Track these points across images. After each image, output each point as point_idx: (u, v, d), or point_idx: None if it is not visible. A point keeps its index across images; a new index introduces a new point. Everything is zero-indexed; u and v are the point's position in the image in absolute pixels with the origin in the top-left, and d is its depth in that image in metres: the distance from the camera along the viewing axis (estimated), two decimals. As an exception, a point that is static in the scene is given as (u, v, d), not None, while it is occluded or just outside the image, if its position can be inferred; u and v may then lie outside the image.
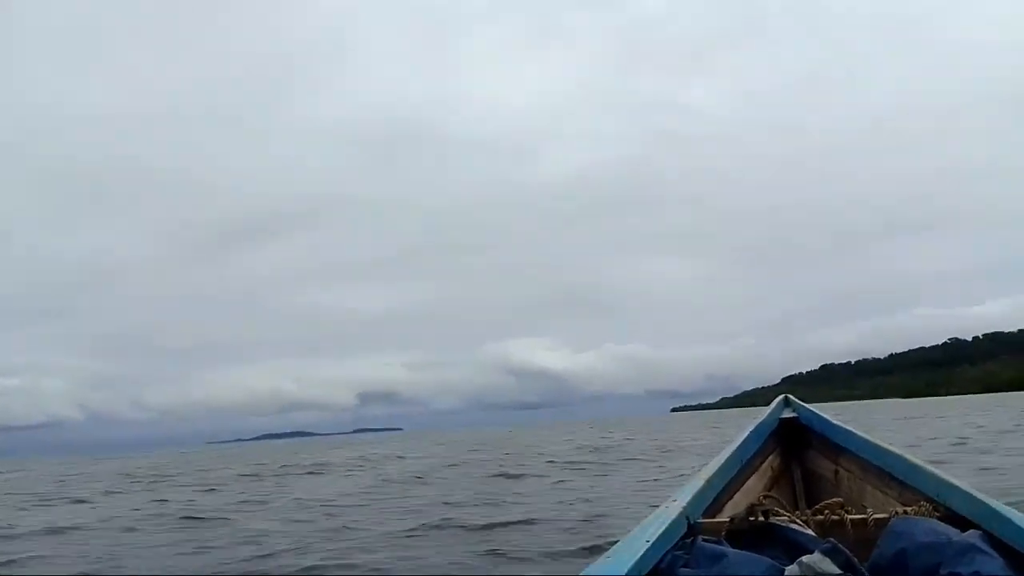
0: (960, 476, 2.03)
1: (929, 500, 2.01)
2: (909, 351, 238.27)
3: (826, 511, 2.02)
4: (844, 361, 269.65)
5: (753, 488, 2.54)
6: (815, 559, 1.48)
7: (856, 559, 1.47)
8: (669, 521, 1.82)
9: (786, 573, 1.49)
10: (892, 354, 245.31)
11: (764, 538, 1.82)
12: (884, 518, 1.86)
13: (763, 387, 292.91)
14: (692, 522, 1.96)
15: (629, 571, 1.48)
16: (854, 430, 2.68)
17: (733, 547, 1.70)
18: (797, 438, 2.96)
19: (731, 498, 2.42)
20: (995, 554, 1.49)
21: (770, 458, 2.87)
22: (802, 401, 3.21)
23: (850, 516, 1.97)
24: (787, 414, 3.01)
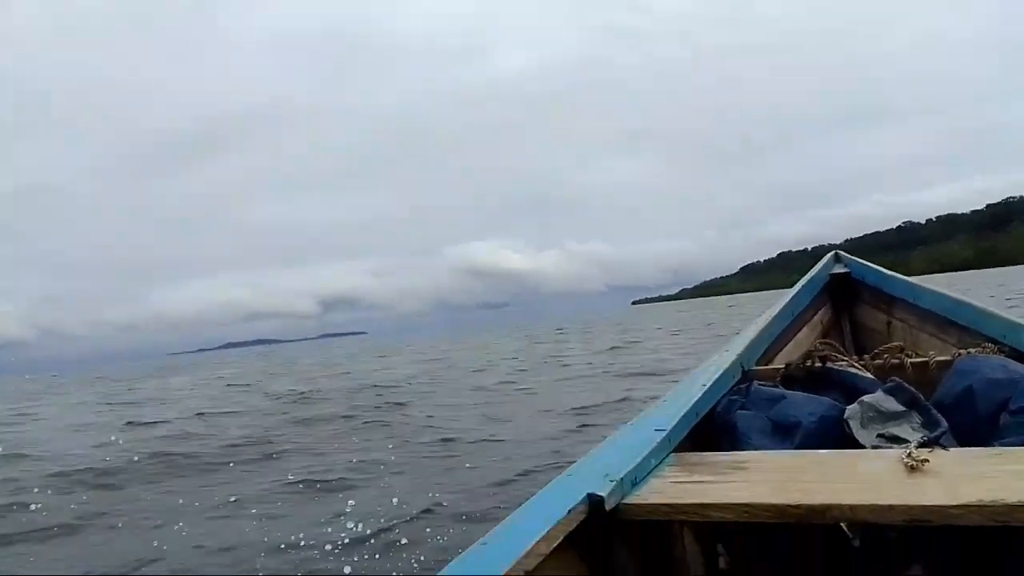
0: None
1: (994, 342, 1.95)
2: (864, 236, 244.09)
3: (885, 355, 1.98)
4: (800, 248, 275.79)
5: (805, 339, 2.53)
6: (877, 397, 1.49)
7: (920, 395, 1.49)
8: (724, 368, 1.85)
9: (847, 411, 1.50)
10: (848, 239, 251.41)
11: (821, 384, 1.83)
12: (947, 360, 1.83)
13: (722, 276, 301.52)
14: (747, 369, 1.99)
15: (685, 414, 1.51)
16: (909, 280, 2.64)
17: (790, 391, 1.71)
18: (848, 293, 2.93)
19: (783, 348, 2.41)
20: None
21: (821, 312, 2.84)
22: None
23: (911, 360, 1.93)
24: (838, 269, 2.96)
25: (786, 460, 1.34)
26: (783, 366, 1.97)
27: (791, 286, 2.88)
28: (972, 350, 1.88)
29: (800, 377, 1.88)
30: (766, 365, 2.14)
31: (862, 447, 1.41)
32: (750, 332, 2.27)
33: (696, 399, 1.60)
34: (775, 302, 2.70)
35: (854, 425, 1.47)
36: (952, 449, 1.27)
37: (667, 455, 1.38)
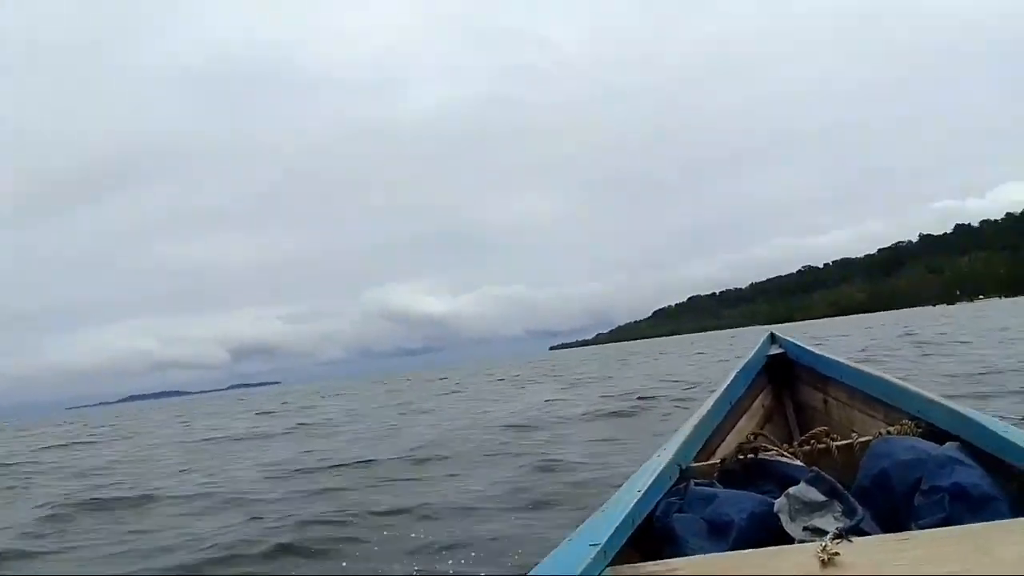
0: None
1: (912, 418, 2.04)
2: (767, 280, 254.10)
3: (812, 440, 2.06)
4: (709, 292, 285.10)
5: (745, 428, 2.54)
6: (801, 489, 1.53)
7: (840, 484, 1.54)
8: (660, 469, 1.85)
9: (775, 505, 1.53)
10: (752, 283, 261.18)
11: (757, 475, 1.86)
12: (867, 440, 1.90)
13: (636, 321, 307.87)
14: (683, 467, 1.97)
15: (622, 521, 1.50)
16: (840, 359, 2.69)
17: (727, 487, 1.75)
18: (787, 373, 2.98)
19: (723, 440, 2.41)
20: (973, 463, 1.53)
21: (761, 396, 2.87)
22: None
23: (835, 443, 2.02)
24: (774, 351, 3.02)
25: (718, 564, 1.36)
26: (719, 461, 2.02)
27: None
28: (891, 429, 1.98)
29: (737, 471, 1.93)
30: (706, 459, 2.17)
31: (793, 540, 1.45)
32: (686, 428, 2.26)
33: (631, 506, 1.59)
34: (712, 391, 2.72)
35: (784, 519, 1.50)
36: (862, 539, 1.28)
37: (601, 571, 1.35)
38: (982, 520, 1.36)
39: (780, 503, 1.54)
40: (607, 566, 1.37)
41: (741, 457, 1.96)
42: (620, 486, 1.82)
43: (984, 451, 1.64)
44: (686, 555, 1.48)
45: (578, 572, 1.27)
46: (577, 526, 1.56)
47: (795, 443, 2.14)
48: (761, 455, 1.94)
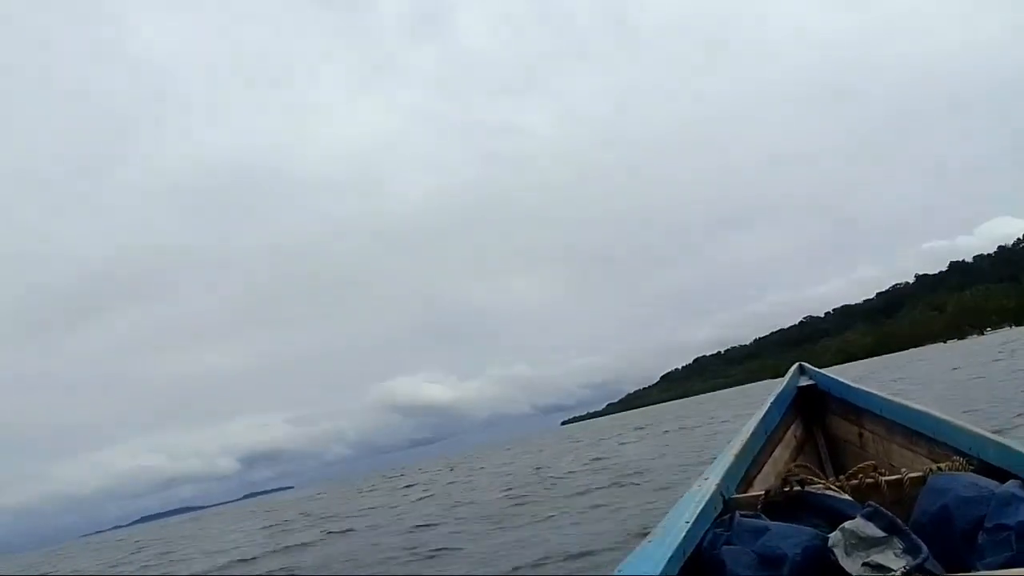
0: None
1: (961, 454, 1.98)
2: (771, 333, 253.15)
3: (860, 475, 2.01)
4: (714, 352, 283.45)
5: (780, 458, 2.51)
6: (858, 524, 1.50)
7: (898, 519, 1.49)
8: (706, 499, 1.82)
9: (829, 540, 1.50)
10: (756, 339, 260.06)
11: (800, 507, 1.85)
12: (919, 476, 1.85)
13: (645, 387, 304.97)
14: (727, 498, 1.96)
15: (673, 553, 1.48)
16: (874, 391, 2.62)
17: (770, 519, 1.72)
18: (817, 405, 2.92)
19: (760, 471, 2.39)
20: None
21: (792, 427, 2.82)
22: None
23: (884, 478, 1.95)
24: (804, 382, 2.97)
25: None
26: (763, 493, 1.97)
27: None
28: (943, 465, 1.92)
29: (781, 503, 1.90)
30: (746, 491, 2.13)
31: None
32: (727, 458, 2.22)
33: (681, 538, 1.56)
34: (746, 422, 2.64)
35: (839, 554, 1.47)
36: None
37: None
38: None
39: (835, 537, 1.49)
40: None
41: (786, 489, 1.92)
42: (666, 514, 1.77)
43: None
44: None
45: None
46: (626, 555, 1.52)
47: (841, 476, 2.07)
48: (806, 488, 1.90)
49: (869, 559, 1.43)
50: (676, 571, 1.47)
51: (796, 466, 2.16)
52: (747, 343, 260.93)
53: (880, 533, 1.47)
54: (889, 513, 1.51)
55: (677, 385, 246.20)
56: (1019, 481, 1.64)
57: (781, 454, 2.59)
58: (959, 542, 1.52)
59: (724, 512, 1.83)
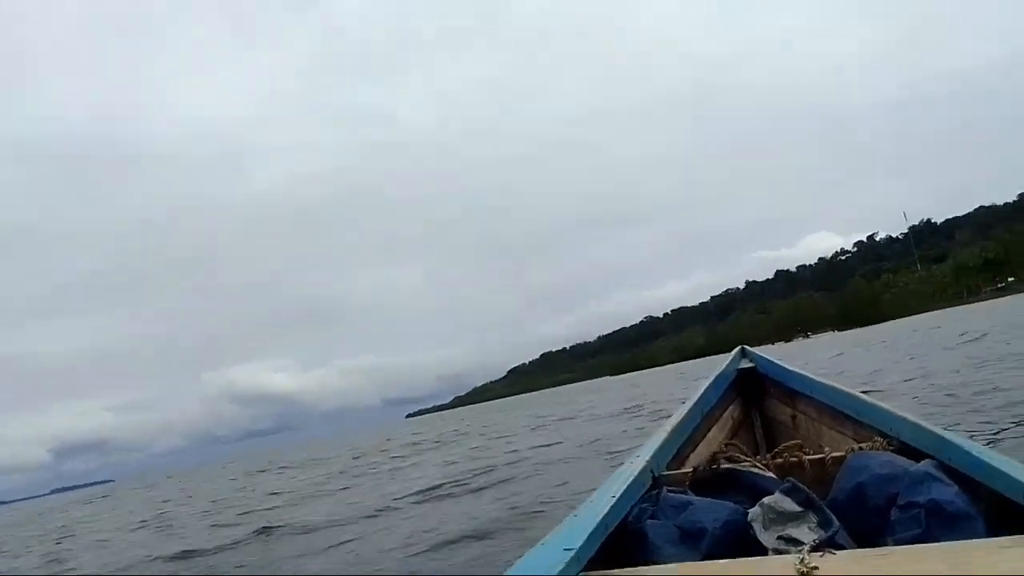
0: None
1: (882, 435, 2.07)
2: (613, 332, 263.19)
3: (785, 454, 2.10)
4: (560, 348, 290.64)
5: (715, 438, 2.60)
6: (775, 499, 1.55)
7: (815, 495, 1.55)
8: (634, 475, 1.86)
9: (749, 515, 1.55)
10: (600, 336, 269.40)
11: (727, 484, 1.91)
12: (841, 456, 1.94)
13: (492, 381, 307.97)
14: (656, 474, 2.01)
15: (596, 526, 1.51)
16: (809, 374, 2.70)
17: (699, 496, 1.76)
18: (755, 387, 3.03)
19: (695, 449, 2.47)
20: (949, 481, 1.54)
21: (730, 408, 2.93)
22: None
23: (807, 456, 2.05)
24: (744, 364, 3.08)
25: (692, 571, 1.37)
26: (691, 470, 2.03)
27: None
28: (864, 445, 1.98)
29: (708, 480, 1.96)
30: (678, 468, 2.18)
31: (766, 549, 1.45)
32: (660, 436, 2.26)
33: (605, 511, 1.58)
34: (685, 401, 2.69)
35: (757, 528, 1.50)
36: (842, 552, 1.30)
37: (577, 575, 1.35)
38: (957, 538, 1.36)
39: (754, 512, 1.54)
40: (581, 571, 1.37)
41: (714, 467, 1.99)
42: (593, 491, 1.82)
43: (958, 470, 1.62)
44: (659, 562, 1.48)
45: None
46: (550, 529, 1.55)
47: (768, 455, 2.16)
48: (733, 465, 1.97)
49: (784, 532, 1.46)
50: (598, 544, 1.49)
51: (726, 444, 2.25)
52: (592, 340, 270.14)
53: (797, 508, 1.51)
54: (806, 489, 1.55)
55: (524, 379, 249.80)
56: (934, 461, 1.68)
57: (717, 434, 2.67)
58: (873, 518, 1.56)
59: (653, 488, 1.87)
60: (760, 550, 1.45)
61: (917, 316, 68.85)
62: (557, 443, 10.73)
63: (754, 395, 3.06)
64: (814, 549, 1.28)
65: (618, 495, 1.69)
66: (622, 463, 2.08)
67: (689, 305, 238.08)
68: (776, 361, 3.00)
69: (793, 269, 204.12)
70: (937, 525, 1.43)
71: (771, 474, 1.92)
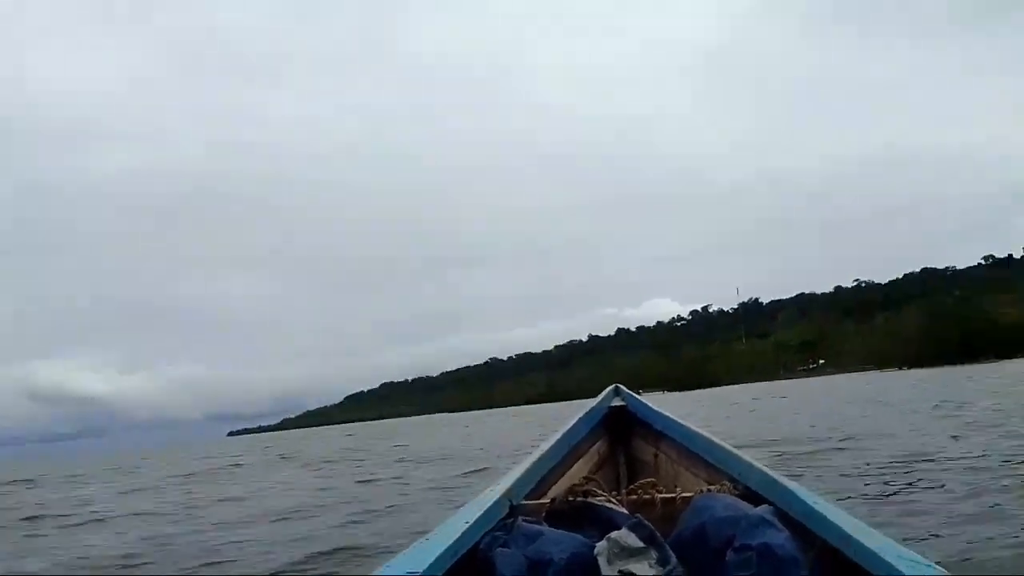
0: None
1: (731, 479, 2.18)
2: (458, 369, 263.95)
3: (639, 491, 2.18)
4: (403, 379, 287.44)
5: (578, 472, 2.64)
6: (622, 534, 1.60)
7: (660, 533, 1.61)
8: (491, 503, 1.90)
9: (596, 548, 1.59)
10: (443, 372, 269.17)
11: (584, 518, 1.96)
12: (690, 496, 2.01)
13: (327, 406, 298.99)
14: (514, 504, 2.04)
15: (444, 552, 1.53)
16: (675, 418, 2.80)
17: (553, 527, 1.80)
18: (624, 425, 3.10)
19: (556, 482, 2.49)
20: (782, 527, 1.62)
21: (598, 444, 2.99)
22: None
23: (660, 495, 2.14)
24: (616, 402, 3.15)
25: None
26: (549, 501, 2.06)
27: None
28: (713, 487, 2.07)
29: (565, 512, 1.98)
30: (537, 498, 2.20)
31: None
32: (522, 466, 2.31)
33: (456, 537, 1.60)
34: (552, 433, 2.75)
35: (602, 561, 1.55)
36: None
37: None
38: None
39: (600, 546, 1.58)
40: None
41: (571, 499, 2.02)
42: (448, 516, 1.84)
43: (792, 517, 1.72)
44: None
45: None
46: (398, 553, 1.56)
47: (623, 491, 2.24)
48: (590, 499, 2.01)
49: (625, 567, 1.52)
50: (444, 569, 1.52)
51: (585, 478, 2.28)
52: (435, 375, 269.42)
53: (640, 544, 1.56)
54: (650, 525, 1.60)
55: (360, 407, 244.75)
56: (772, 507, 1.76)
57: (581, 468, 2.71)
58: (711, 558, 1.62)
59: (509, 516, 1.89)
60: None
61: (738, 385, 74.46)
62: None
63: (622, 433, 3.13)
64: None
65: (471, 521, 1.72)
66: (483, 490, 2.11)
67: (534, 351, 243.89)
68: (645, 402, 3.09)
69: (634, 329, 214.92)
70: (767, 568, 1.51)
71: (624, 510, 1.97)
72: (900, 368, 74.34)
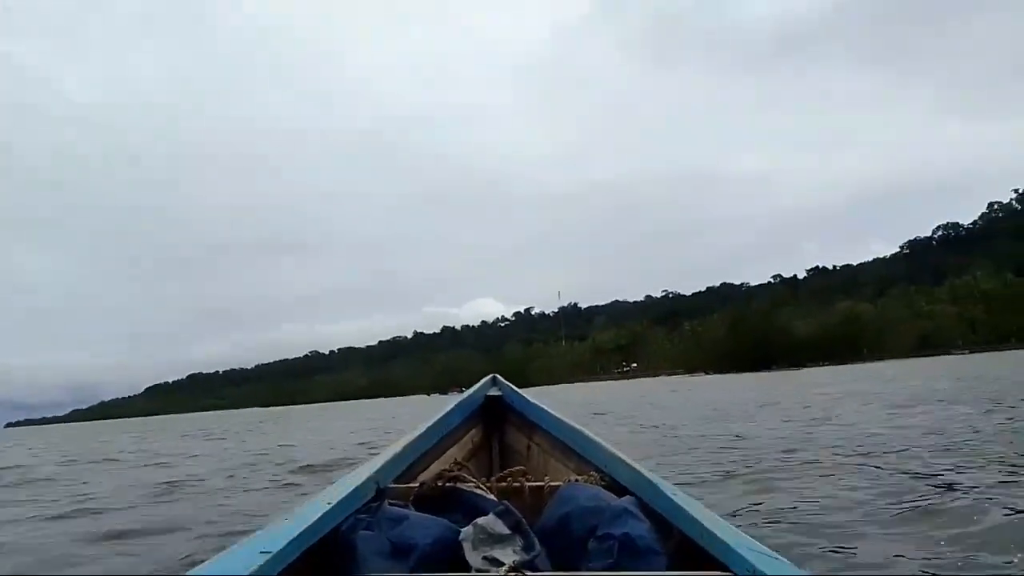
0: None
1: (598, 470, 2.22)
2: (275, 362, 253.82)
3: (508, 479, 2.21)
4: (213, 371, 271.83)
5: (450, 458, 2.62)
6: (488, 520, 1.60)
7: (526, 521, 1.63)
8: (356, 485, 1.86)
9: (462, 533, 1.59)
10: (259, 364, 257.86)
11: (451, 503, 1.96)
12: (557, 485, 2.05)
13: (125, 397, 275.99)
14: (381, 487, 2.01)
15: (303, 532, 1.48)
16: (548, 409, 2.81)
17: (421, 512, 1.78)
18: (499, 415, 3.11)
19: (427, 467, 2.49)
20: (643, 517, 1.67)
21: (472, 432, 3.00)
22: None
23: (528, 483, 2.17)
24: (493, 392, 3.16)
25: None
26: (418, 485, 2.06)
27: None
28: (580, 477, 2.11)
29: (434, 497, 1.99)
30: (406, 483, 2.18)
31: (470, 569, 1.50)
32: (392, 450, 2.28)
33: (316, 518, 1.55)
34: (426, 419, 2.75)
35: (467, 547, 1.55)
36: (541, 574, 1.42)
37: None
38: (642, 570, 1.52)
39: (466, 532, 1.59)
40: None
41: (439, 484, 2.04)
42: (312, 496, 1.81)
43: (653, 509, 1.77)
44: (364, 574, 1.50)
45: None
46: (253, 532, 1.49)
47: (492, 479, 2.27)
48: (459, 485, 2.03)
49: (489, 553, 1.52)
50: (301, 550, 1.46)
51: (456, 464, 2.28)
52: (249, 367, 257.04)
53: (506, 531, 1.57)
54: (517, 513, 1.62)
55: (164, 399, 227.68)
56: (634, 498, 1.82)
57: (454, 454, 2.69)
58: (574, 547, 1.67)
59: (375, 499, 1.86)
60: (466, 570, 1.49)
61: (558, 386, 76.43)
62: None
63: (497, 422, 3.12)
64: (512, 570, 1.37)
65: (334, 502, 1.67)
66: (350, 471, 2.04)
67: (357, 346, 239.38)
68: (521, 393, 3.08)
69: (458, 327, 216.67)
70: (627, 557, 1.55)
71: (492, 497, 1.98)
72: (707, 373, 79.77)
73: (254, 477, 7.27)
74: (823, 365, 70.64)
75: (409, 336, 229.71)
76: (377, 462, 2.11)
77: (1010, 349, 69.60)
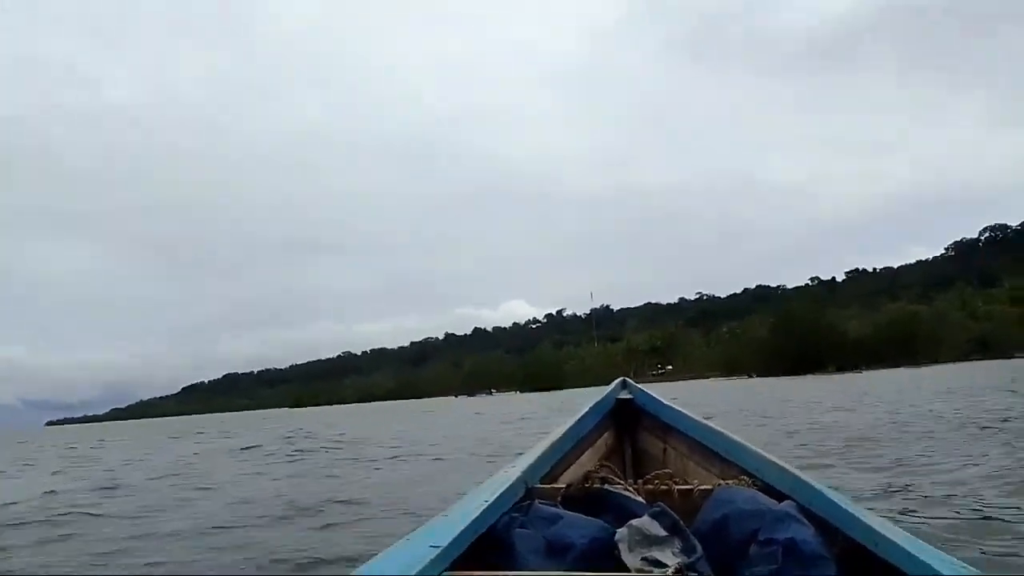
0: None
1: (747, 474, 2.18)
2: (308, 362, 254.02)
3: (655, 481, 2.21)
4: (248, 371, 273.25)
5: (587, 461, 2.68)
6: (644, 522, 1.60)
7: (681, 521, 1.64)
8: (507, 484, 1.92)
9: (616, 535, 1.60)
10: (293, 365, 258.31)
11: (598, 504, 1.98)
12: (708, 489, 2.05)
13: (162, 396, 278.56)
14: (530, 486, 2.07)
15: (465, 528, 1.55)
16: (683, 411, 2.80)
17: (569, 511, 1.80)
18: (630, 418, 3.13)
19: (567, 469, 2.55)
20: (807, 522, 1.64)
21: (605, 435, 3.03)
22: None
23: (677, 486, 2.16)
24: (623, 395, 3.19)
25: None
26: (565, 486, 2.11)
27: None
28: (730, 481, 2.08)
29: (580, 497, 2.02)
30: (551, 483, 2.23)
31: (628, 569, 1.50)
32: (536, 451, 2.35)
33: (475, 516, 1.62)
34: (562, 423, 2.77)
35: (623, 548, 1.55)
36: None
37: (440, 573, 1.38)
38: None
39: (622, 533, 1.59)
40: (444, 570, 1.39)
41: (587, 485, 2.07)
42: (465, 495, 1.87)
43: (815, 513, 1.72)
44: (523, 570, 1.53)
45: (414, 573, 1.28)
46: (415, 528, 1.57)
47: (640, 480, 2.25)
48: (607, 486, 2.05)
49: (648, 555, 1.52)
50: (465, 545, 1.53)
51: (600, 464, 2.35)
52: (283, 367, 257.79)
53: (663, 532, 1.57)
54: (674, 515, 1.62)
55: (201, 399, 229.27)
56: (794, 503, 1.77)
57: (589, 457, 2.73)
58: (733, 550, 1.63)
59: (525, 499, 1.92)
60: (623, 570, 1.48)
61: (592, 388, 73.64)
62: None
63: (628, 425, 3.09)
64: (676, 572, 1.33)
65: (490, 501, 1.72)
66: (497, 472, 2.11)
67: (389, 347, 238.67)
68: (653, 395, 3.03)
69: (490, 329, 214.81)
70: (792, 563, 1.49)
71: (641, 499, 1.98)
72: (750, 376, 76.33)
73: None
74: (875, 368, 66.94)
75: (440, 337, 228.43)
76: (523, 463, 2.16)
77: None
